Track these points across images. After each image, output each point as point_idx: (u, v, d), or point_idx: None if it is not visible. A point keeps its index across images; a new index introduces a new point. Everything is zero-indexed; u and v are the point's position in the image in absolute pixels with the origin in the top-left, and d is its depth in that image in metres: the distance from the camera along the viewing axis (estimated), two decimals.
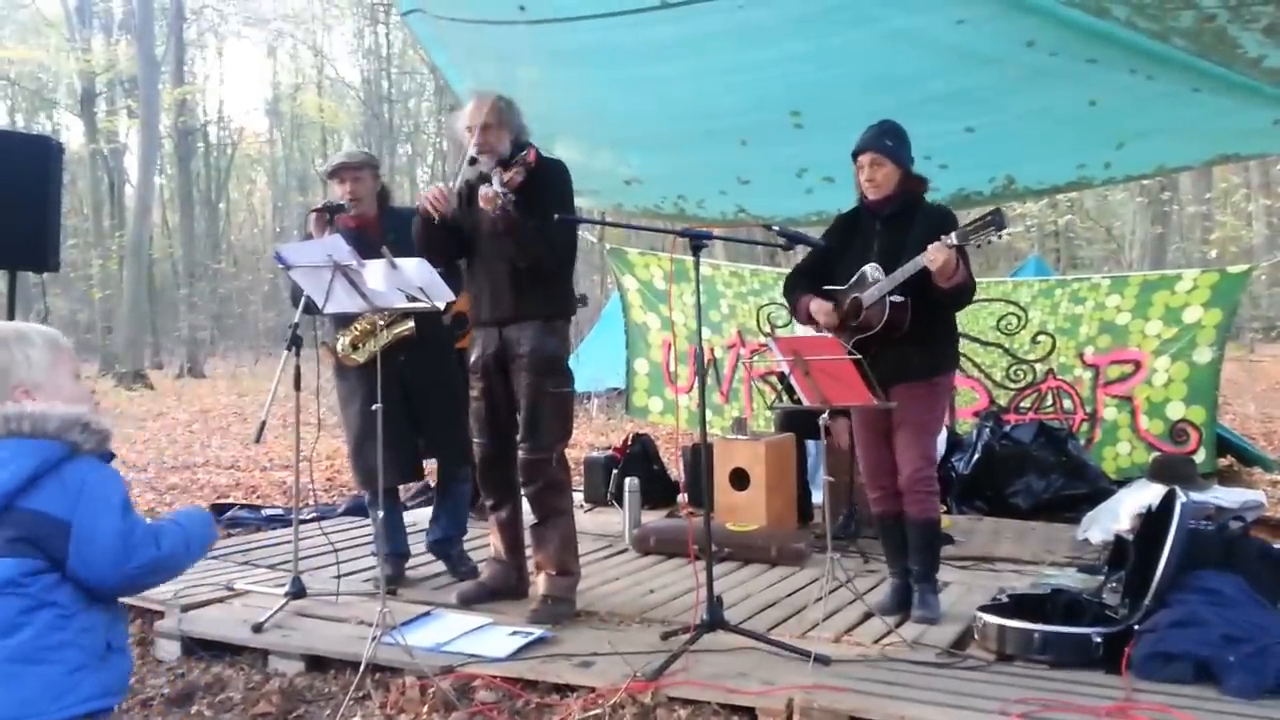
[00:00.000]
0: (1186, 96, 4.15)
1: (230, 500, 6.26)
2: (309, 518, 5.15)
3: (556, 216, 3.28)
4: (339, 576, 3.72)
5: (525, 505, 3.69)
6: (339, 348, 3.87)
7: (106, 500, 1.64)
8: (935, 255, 3.12)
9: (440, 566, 4.14)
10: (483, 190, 3.32)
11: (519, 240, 3.35)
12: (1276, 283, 17.72)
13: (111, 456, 1.79)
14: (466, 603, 3.59)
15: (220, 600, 3.64)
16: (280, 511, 5.65)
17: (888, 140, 3.39)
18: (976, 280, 3.41)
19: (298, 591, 3.52)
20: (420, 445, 3.91)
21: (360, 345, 3.84)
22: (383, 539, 3.45)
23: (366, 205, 3.92)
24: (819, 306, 3.50)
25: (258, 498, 6.62)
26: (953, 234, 3.16)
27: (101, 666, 1.64)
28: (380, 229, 3.87)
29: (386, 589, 3.30)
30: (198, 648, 3.25)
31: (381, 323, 3.76)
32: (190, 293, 24.06)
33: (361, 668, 2.86)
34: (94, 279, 23.34)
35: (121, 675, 1.76)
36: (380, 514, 3.32)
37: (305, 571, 3.70)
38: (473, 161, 3.47)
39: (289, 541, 3.69)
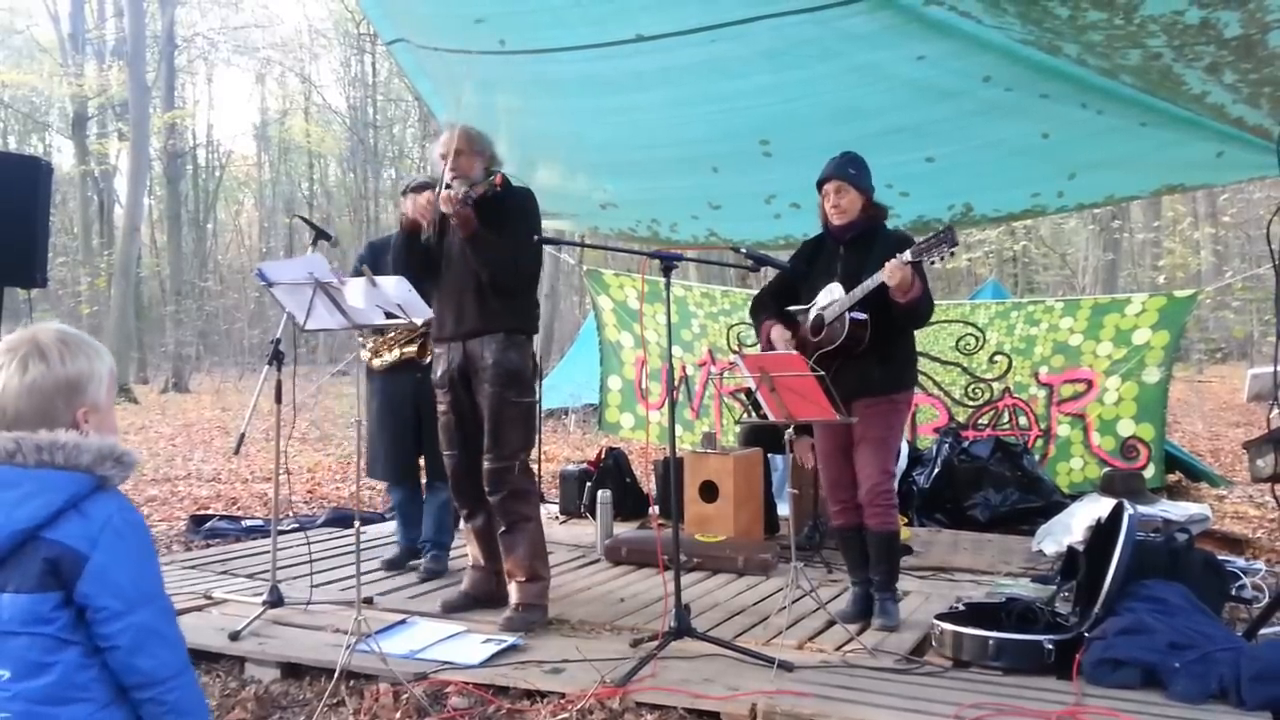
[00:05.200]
0: (1134, 130, 4.33)
1: (210, 511, 6.25)
2: (288, 528, 5.19)
3: (536, 238, 3.42)
4: (313, 586, 3.76)
5: None
6: (366, 349, 4.36)
7: (130, 542, 1.53)
8: (892, 271, 3.27)
9: (417, 576, 4.26)
10: (444, 193, 3.46)
11: (477, 246, 3.47)
12: (1222, 306, 18.18)
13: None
14: (450, 610, 3.66)
15: (198, 608, 3.67)
16: (260, 523, 5.67)
17: (850, 169, 3.55)
18: (938, 303, 3.55)
19: (275, 600, 3.56)
20: (417, 455, 4.34)
21: (380, 354, 4.32)
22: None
23: None
24: (779, 334, 3.63)
25: (238, 509, 6.60)
26: (908, 251, 3.31)
27: (126, 700, 1.55)
28: None
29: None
30: None
31: (400, 338, 4.25)
32: (177, 310, 24.11)
33: (336, 675, 2.90)
34: (82, 296, 23.38)
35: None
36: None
37: (283, 581, 3.75)
38: (447, 187, 3.60)
39: (268, 551, 3.72)
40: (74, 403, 1.55)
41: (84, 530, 1.48)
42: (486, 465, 3.56)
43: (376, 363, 4.33)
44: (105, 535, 1.48)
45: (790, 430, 3.50)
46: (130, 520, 1.53)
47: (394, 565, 4.42)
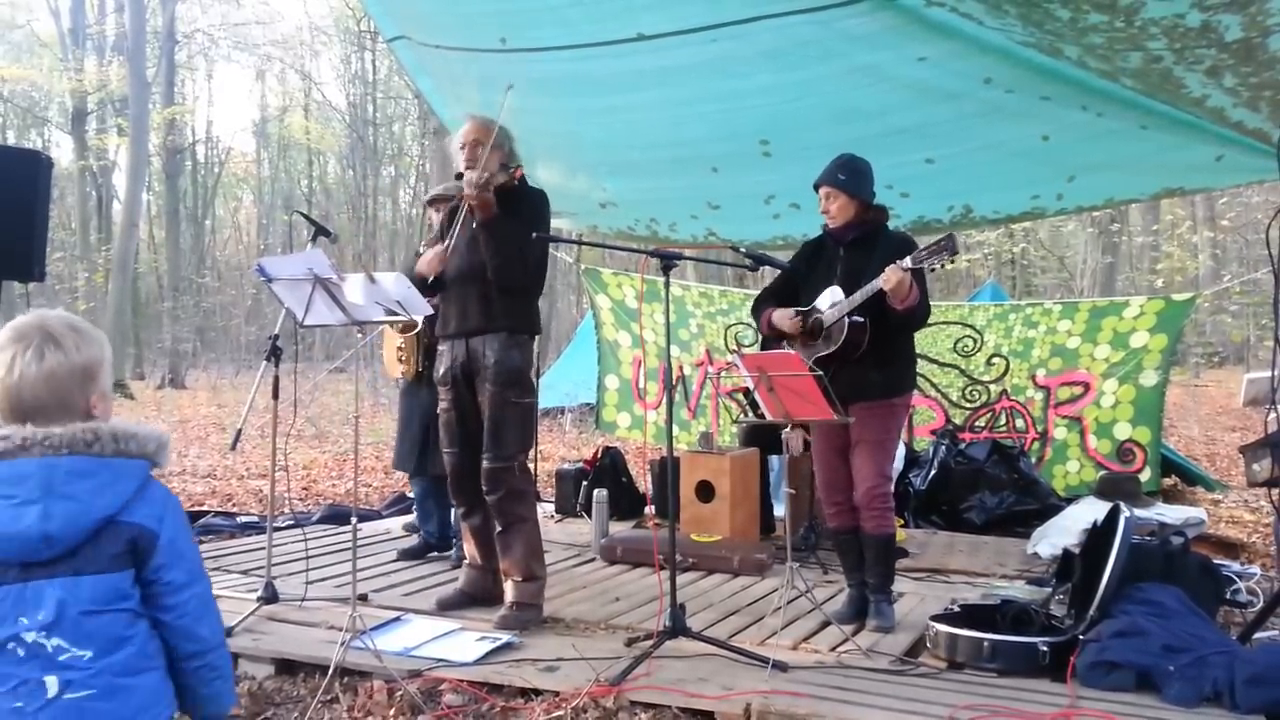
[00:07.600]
0: (1134, 133, 4.33)
1: (206, 507, 6.24)
2: (284, 525, 5.19)
3: (535, 235, 3.40)
4: (308, 583, 3.76)
5: None
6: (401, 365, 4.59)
7: (182, 519, 1.66)
8: (890, 277, 3.26)
9: (414, 573, 4.28)
10: (466, 176, 3.42)
11: (492, 233, 3.43)
12: (1219, 310, 18.23)
13: None
14: (445, 608, 3.65)
15: None
16: (255, 519, 5.66)
17: (841, 175, 3.54)
18: (936, 304, 3.55)
19: (270, 597, 3.56)
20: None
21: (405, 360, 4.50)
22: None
23: None
24: (781, 315, 3.63)
25: (233, 505, 6.58)
26: (907, 258, 3.30)
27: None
28: None
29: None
30: None
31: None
32: (174, 306, 24.11)
33: (330, 671, 2.89)
34: (80, 291, 23.44)
35: None
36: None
37: (278, 577, 3.74)
38: (459, 176, 3.59)
39: (262, 548, 3.72)
40: (88, 390, 1.62)
41: (151, 510, 1.59)
42: (486, 465, 3.55)
43: (405, 368, 4.57)
44: (168, 514, 1.61)
45: (788, 428, 3.50)
46: (175, 499, 1.66)
47: (411, 556, 4.54)
